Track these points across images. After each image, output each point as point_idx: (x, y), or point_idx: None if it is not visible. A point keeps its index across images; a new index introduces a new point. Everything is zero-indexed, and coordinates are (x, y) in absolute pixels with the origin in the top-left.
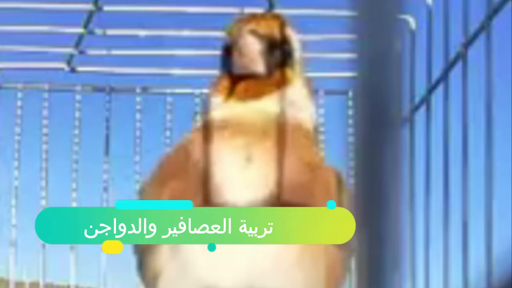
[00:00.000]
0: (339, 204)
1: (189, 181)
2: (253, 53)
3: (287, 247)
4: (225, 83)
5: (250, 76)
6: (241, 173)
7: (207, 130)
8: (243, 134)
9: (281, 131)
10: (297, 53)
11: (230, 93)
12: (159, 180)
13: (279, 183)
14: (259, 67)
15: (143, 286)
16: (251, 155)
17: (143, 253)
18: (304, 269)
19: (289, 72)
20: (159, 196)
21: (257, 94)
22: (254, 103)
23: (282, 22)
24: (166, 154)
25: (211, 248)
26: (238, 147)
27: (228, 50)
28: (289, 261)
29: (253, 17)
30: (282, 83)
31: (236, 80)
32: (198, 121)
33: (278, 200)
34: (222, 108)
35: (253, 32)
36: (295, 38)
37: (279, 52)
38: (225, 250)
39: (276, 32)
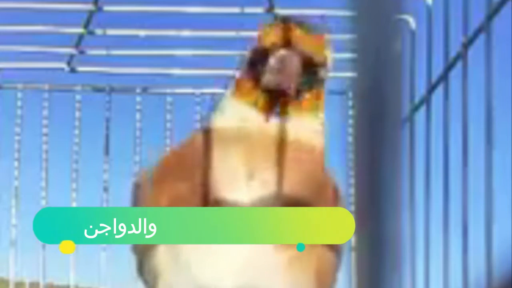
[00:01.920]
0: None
1: (189, 182)
2: (290, 71)
3: (284, 248)
4: (249, 89)
5: (280, 92)
6: (244, 183)
7: (212, 136)
8: (250, 151)
9: (289, 153)
10: (327, 75)
11: (255, 102)
12: (158, 179)
13: (281, 188)
14: (292, 87)
15: (144, 286)
16: (253, 173)
17: (142, 254)
18: (297, 270)
19: (316, 96)
20: (157, 198)
21: (281, 113)
22: (275, 121)
23: (325, 43)
24: (167, 152)
25: (300, 248)
26: (241, 165)
27: (260, 55)
28: (286, 261)
29: (299, 27)
30: (307, 108)
31: (264, 91)
32: (207, 122)
33: (279, 200)
34: (237, 115)
35: (295, 49)
36: (330, 61)
37: (313, 74)
38: (222, 251)
39: (317, 55)
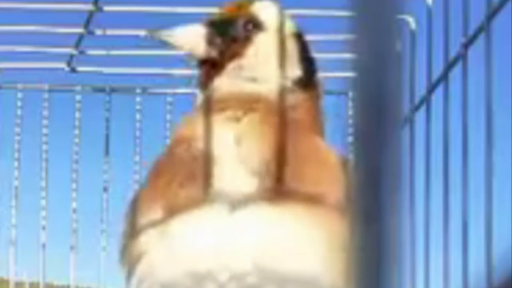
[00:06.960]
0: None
1: (178, 173)
2: (193, 39)
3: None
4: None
5: (208, 62)
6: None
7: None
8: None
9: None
10: (268, 21)
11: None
12: (151, 184)
13: (275, 169)
14: (200, 50)
15: (125, 271)
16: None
17: (129, 238)
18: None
19: (251, 43)
20: (153, 199)
21: (213, 77)
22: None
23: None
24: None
25: None
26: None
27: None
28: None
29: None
30: (234, 57)
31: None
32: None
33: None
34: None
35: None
36: (265, 10)
37: (237, 29)
38: (211, 230)
39: (229, 13)
